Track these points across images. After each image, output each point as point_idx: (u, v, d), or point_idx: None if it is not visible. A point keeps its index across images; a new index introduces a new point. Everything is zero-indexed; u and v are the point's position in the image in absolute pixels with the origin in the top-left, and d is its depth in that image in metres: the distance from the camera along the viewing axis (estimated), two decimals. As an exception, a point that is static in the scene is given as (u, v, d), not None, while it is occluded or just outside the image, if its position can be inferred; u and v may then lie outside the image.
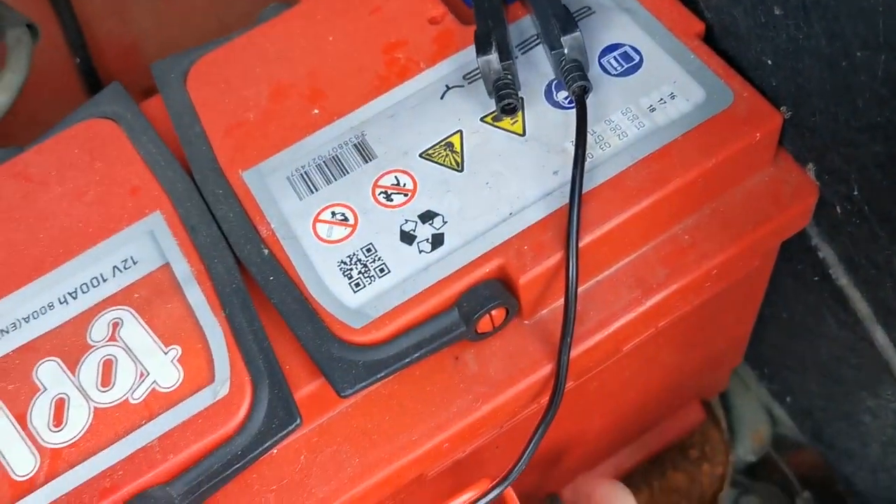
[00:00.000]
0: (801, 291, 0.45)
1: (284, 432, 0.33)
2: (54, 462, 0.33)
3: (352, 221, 0.37)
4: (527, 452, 0.34)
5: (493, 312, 0.35)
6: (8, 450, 0.34)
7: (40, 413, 0.34)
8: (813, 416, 0.54)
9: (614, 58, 0.39)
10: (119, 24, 0.66)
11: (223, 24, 0.69)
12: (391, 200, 0.37)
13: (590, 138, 0.37)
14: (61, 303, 0.37)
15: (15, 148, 0.43)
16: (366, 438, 0.35)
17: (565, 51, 0.37)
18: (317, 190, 0.38)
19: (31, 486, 0.33)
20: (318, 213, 0.37)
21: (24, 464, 0.33)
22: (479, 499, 0.34)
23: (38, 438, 0.34)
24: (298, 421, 0.33)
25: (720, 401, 0.61)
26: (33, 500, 0.33)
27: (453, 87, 0.40)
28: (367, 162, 0.38)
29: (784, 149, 0.39)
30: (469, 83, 0.40)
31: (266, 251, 0.37)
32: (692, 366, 0.52)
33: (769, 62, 0.36)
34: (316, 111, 0.40)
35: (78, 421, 0.34)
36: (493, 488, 0.34)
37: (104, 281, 0.37)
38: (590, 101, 0.37)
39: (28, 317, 0.37)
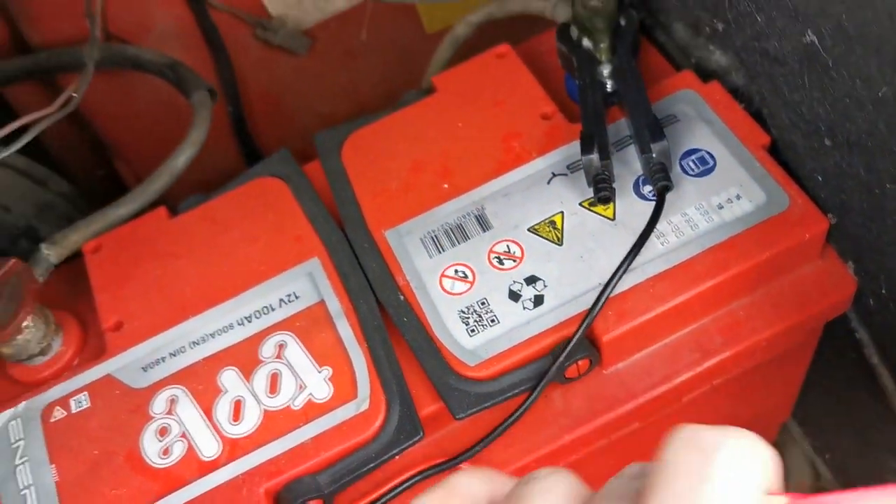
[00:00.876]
0: (840, 364, 0.52)
1: (410, 443, 0.42)
2: (233, 449, 0.43)
3: (471, 279, 0.46)
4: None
5: (580, 362, 0.44)
6: (198, 436, 0.44)
7: (223, 410, 0.44)
8: (848, 472, 0.61)
9: (693, 160, 0.48)
10: (267, 80, 0.77)
11: (356, 96, 0.79)
12: (503, 264, 0.46)
13: (666, 227, 0.45)
14: (239, 324, 0.47)
15: (202, 195, 0.54)
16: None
17: (653, 155, 0.46)
18: (444, 251, 0.47)
19: (214, 465, 0.43)
20: (444, 270, 0.47)
21: (209, 448, 0.43)
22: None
23: (220, 429, 0.44)
24: (421, 434, 0.43)
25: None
26: (216, 477, 0.43)
27: (558, 174, 0.49)
28: (484, 231, 0.48)
29: (831, 246, 0.47)
30: (571, 172, 0.49)
31: (402, 297, 0.46)
32: (743, 418, 0.59)
33: (819, 178, 0.44)
34: (446, 186, 0.50)
35: (251, 418, 0.44)
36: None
37: (272, 310, 0.47)
38: (669, 196, 0.46)
39: (214, 333, 0.47)
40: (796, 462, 0.68)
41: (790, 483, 0.68)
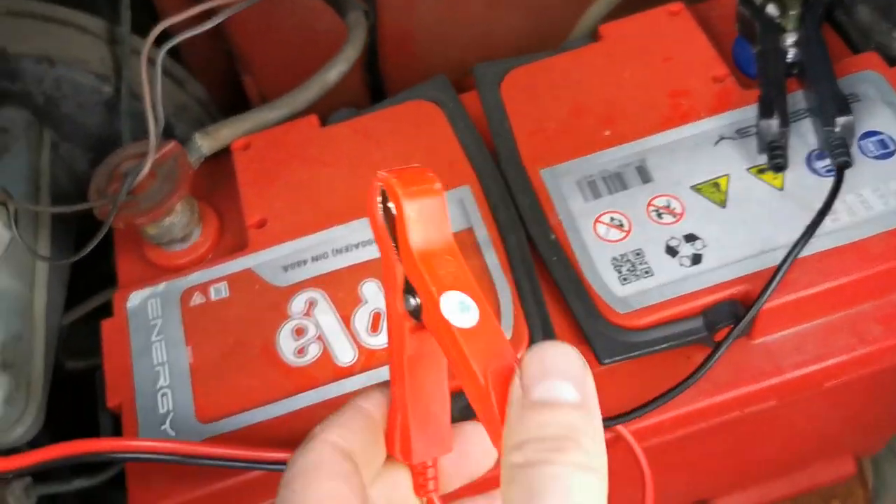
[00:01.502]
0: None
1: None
2: (368, 359, 0.43)
3: (626, 228, 0.45)
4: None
5: (731, 327, 0.43)
6: (334, 341, 0.44)
7: (361, 319, 0.44)
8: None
9: (872, 142, 0.46)
10: (405, 19, 0.76)
11: (489, 48, 0.78)
12: (661, 218, 0.45)
13: (840, 205, 0.44)
14: (384, 239, 0.47)
15: (352, 110, 0.53)
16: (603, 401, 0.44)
17: (836, 129, 0.44)
18: (600, 197, 0.46)
19: (349, 372, 0.43)
20: (599, 216, 0.46)
21: (345, 354, 0.43)
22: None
23: (358, 338, 0.44)
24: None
25: (871, 463, 0.66)
26: (350, 384, 0.42)
27: (727, 137, 0.47)
28: (644, 183, 0.46)
29: None
30: (741, 137, 0.47)
31: (553, 236, 0.45)
32: (868, 419, 0.57)
33: None
34: (607, 133, 0.49)
35: (390, 332, 0.43)
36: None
37: (419, 230, 0.47)
38: (845, 174, 0.44)
39: (358, 244, 0.47)
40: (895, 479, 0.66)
41: (886, 500, 0.66)
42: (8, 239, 0.50)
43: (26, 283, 0.51)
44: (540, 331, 0.43)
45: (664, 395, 0.41)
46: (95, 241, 0.46)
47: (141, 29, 0.56)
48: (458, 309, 0.25)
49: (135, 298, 0.47)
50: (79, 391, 0.53)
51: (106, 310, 0.49)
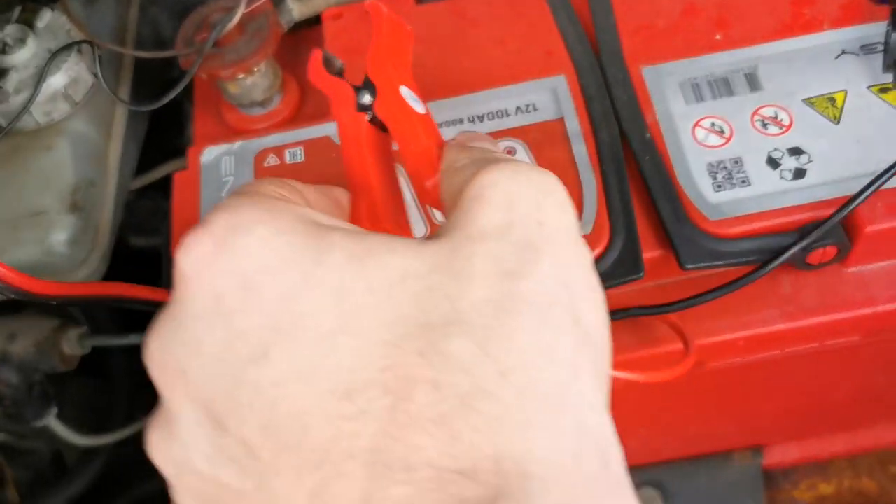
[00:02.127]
0: None
1: (628, 278, 0.40)
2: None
3: (727, 135, 0.42)
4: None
5: (827, 248, 0.40)
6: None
7: (437, 197, 0.43)
8: None
9: None
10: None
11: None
12: (766, 129, 0.42)
13: (966, 134, 0.40)
14: (470, 121, 0.45)
15: (446, -10, 0.51)
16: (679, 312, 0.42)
17: (974, 51, 0.40)
18: (702, 101, 0.44)
19: (420, 246, 0.41)
20: (699, 120, 0.43)
21: (417, 230, 0.42)
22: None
23: (431, 214, 0.42)
24: (642, 273, 0.40)
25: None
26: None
27: (849, 52, 0.44)
28: (752, 91, 0.44)
29: None
30: (864, 54, 0.44)
31: (647, 135, 0.43)
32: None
33: None
34: (718, 37, 0.46)
35: (466, 212, 0.42)
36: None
37: (507, 115, 0.45)
38: (977, 102, 0.41)
39: (442, 123, 0.45)
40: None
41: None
42: (90, 83, 0.50)
43: (104, 131, 0.51)
44: (623, 228, 0.41)
45: (720, 289, 0.39)
46: (178, 89, 0.45)
47: None
48: (412, 99, 0.31)
49: (209, 154, 0.46)
50: (140, 269, 0.52)
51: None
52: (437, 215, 0.42)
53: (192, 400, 0.23)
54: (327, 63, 0.32)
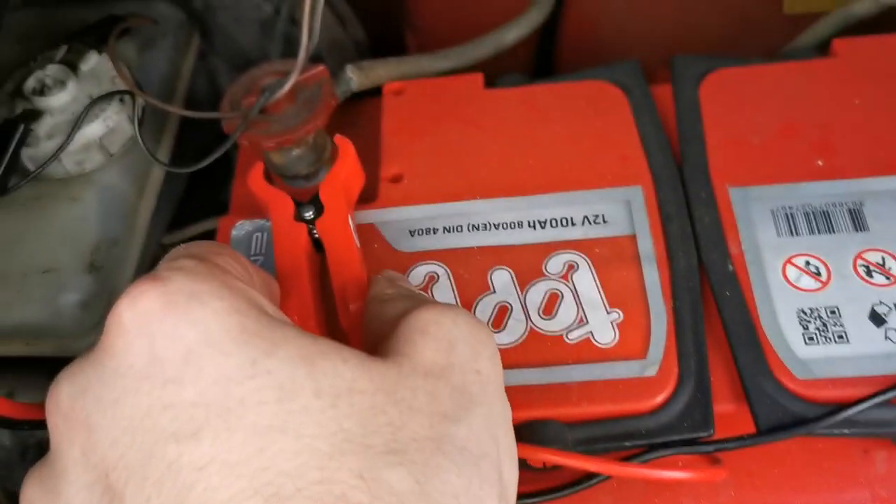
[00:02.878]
0: None
1: (695, 435, 0.34)
2: (483, 356, 0.36)
3: (824, 278, 0.37)
4: None
5: (933, 430, 0.34)
6: (448, 326, 0.37)
7: (483, 309, 0.38)
8: None
9: None
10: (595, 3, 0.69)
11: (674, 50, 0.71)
12: (871, 277, 0.37)
13: None
14: (530, 226, 0.40)
15: (524, 76, 0.47)
16: (748, 478, 0.36)
17: None
18: (797, 234, 0.38)
19: (458, 365, 0.36)
20: (792, 257, 0.38)
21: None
22: None
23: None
24: (712, 431, 0.34)
25: None
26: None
27: (973, 198, 0.38)
28: (856, 231, 0.38)
29: None
30: None
31: (730, 267, 0.38)
32: None
33: None
34: (820, 163, 0.40)
35: (515, 332, 0.37)
36: None
37: (572, 225, 0.40)
38: None
39: (498, 225, 0.40)
40: None
41: None
42: (129, 134, 0.47)
43: (138, 186, 0.47)
44: (693, 374, 0.35)
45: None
46: (216, 154, 0.41)
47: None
48: (354, 231, 0.37)
49: (241, 228, 0.42)
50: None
51: (209, 238, 0.45)
52: (482, 330, 0.37)
53: (89, 461, 0.22)
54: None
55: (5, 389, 0.46)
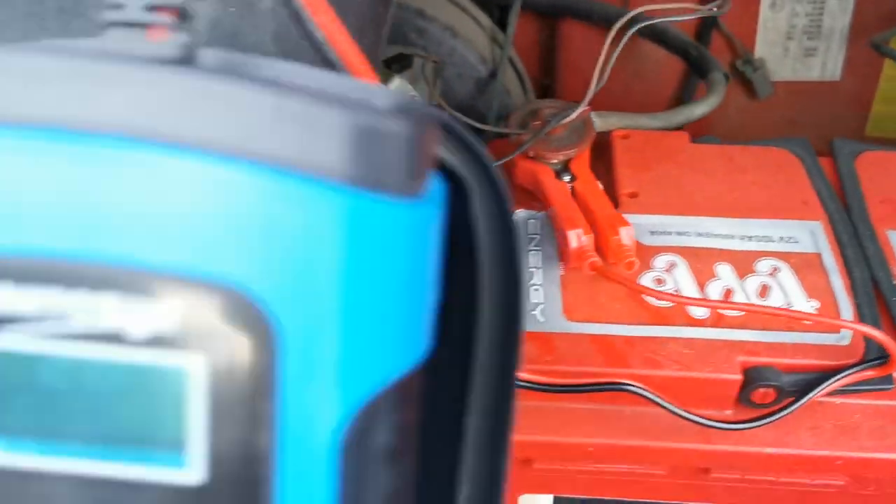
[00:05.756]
0: None
1: (877, 387, 0.47)
2: (718, 319, 0.49)
3: (962, 296, 0.51)
4: None
5: None
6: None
7: (714, 290, 0.51)
8: None
9: None
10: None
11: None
12: None
13: None
14: (741, 238, 0.54)
15: (716, 138, 0.62)
16: None
17: None
18: (939, 266, 0.53)
19: (701, 323, 0.49)
20: (938, 279, 0.52)
21: (697, 311, 0.50)
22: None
23: (709, 301, 0.50)
24: (892, 385, 0.47)
25: None
26: (700, 332, 0.49)
27: None
28: (982, 268, 0.53)
29: None
30: None
31: (894, 281, 0.52)
32: None
33: None
34: (950, 220, 0.55)
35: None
36: None
37: (771, 241, 0.54)
38: None
39: (718, 234, 0.54)
40: None
41: None
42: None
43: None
44: (875, 347, 0.48)
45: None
46: (507, 158, 0.55)
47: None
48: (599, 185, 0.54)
49: (518, 214, 0.55)
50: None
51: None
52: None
53: None
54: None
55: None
